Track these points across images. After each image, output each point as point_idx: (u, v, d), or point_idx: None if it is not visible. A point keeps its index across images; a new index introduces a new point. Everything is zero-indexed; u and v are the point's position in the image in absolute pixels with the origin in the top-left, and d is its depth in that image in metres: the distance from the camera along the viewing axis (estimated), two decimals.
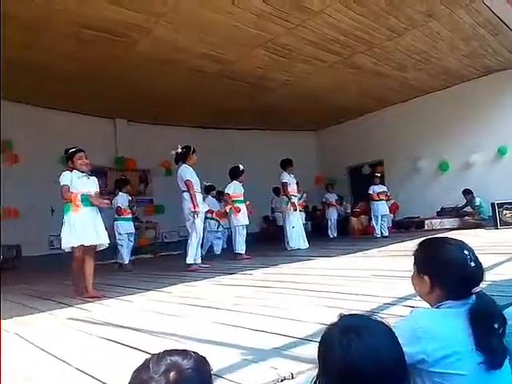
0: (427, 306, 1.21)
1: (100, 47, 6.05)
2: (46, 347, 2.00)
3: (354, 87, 8.73)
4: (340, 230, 9.91)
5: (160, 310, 2.75)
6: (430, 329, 1.04)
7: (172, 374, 0.73)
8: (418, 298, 2.11)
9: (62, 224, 3.62)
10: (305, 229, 7.54)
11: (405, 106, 9.94)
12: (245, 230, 6.23)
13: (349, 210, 10.91)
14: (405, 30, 6.32)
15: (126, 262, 6.18)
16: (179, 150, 5.28)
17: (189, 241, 5.21)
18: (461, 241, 1.18)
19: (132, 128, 9.66)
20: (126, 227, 6.28)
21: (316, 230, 10.18)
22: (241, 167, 6.38)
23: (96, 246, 3.70)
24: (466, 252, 1.13)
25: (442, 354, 1.01)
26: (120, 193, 6.40)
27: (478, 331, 1.03)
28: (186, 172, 5.15)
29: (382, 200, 8.37)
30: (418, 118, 9.61)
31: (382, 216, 8.38)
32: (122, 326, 2.32)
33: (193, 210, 5.06)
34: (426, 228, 8.74)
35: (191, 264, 5.13)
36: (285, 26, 5.86)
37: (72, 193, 3.60)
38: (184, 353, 0.79)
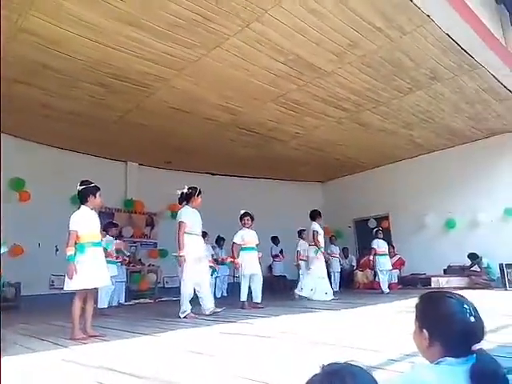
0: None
1: (123, 96, 6.40)
2: None
3: (361, 142, 8.97)
4: (345, 283, 9.70)
5: (154, 355, 2.68)
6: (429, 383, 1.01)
7: None
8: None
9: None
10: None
11: (411, 162, 10.12)
12: (245, 279, 5.94)
13: (354, 263, 10.76)
14: (409, 91, 6.61)
15: (105, 307, 5.74)
16: (185, 190, 5.18)
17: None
18: (461, 295, 1.18)
19: (142, 171, 9.89)
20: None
21: None
22: (241, 212, 6.22)
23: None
24: (465, 306, 1.11)
25: None
26: (107, 236, 6.16)
27: None
28: (182, 213, 5.02)
29: (385, 255, 8.27)
30: (424, 174, 9.74)
31: (386, 271, 8.25)
32: (115, 370, 2.26)
33: (176, 254, 4.93)
34: (432, 286, 8.54)
35: (185, 315, 4.79)
36: (296, 83, 6.18)
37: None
38: None
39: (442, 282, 8.50)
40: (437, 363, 1.10)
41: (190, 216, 5.02)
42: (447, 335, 1.11)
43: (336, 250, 9.80)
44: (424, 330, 1.15)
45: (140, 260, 9.34)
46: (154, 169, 10.04)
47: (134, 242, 9.32)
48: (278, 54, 5.36)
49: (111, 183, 9.13)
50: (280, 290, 9.18)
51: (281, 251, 10.23)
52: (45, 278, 7.87)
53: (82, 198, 3.90)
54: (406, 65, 5.80)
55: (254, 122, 7.67)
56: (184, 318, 4.73)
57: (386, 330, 3.31)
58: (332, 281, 9.42)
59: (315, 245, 7.14)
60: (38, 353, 2.92)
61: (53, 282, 7.99)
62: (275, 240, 10.21)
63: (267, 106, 6.99)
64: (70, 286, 3.53)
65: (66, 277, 3.55)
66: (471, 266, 8.42)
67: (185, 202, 5.17)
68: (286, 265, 10.17)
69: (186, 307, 4.83)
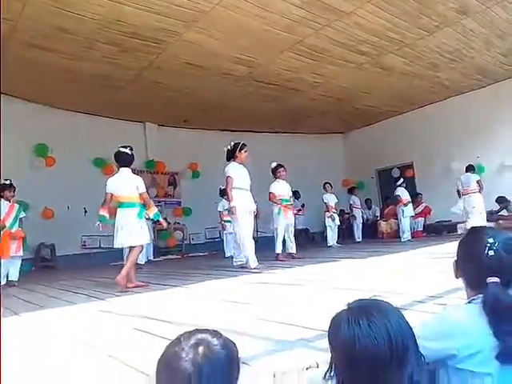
0: (460, 303, 1.18)
1: (136, 54, 6.28)
2: (80, 337, 2.07)
3: (383, 88, 8.60)
4: (369, 233, 9.73)
5: (188, 304, 2.79)
6: (462, 324, 1.00)
7: (201, 348, 0.76)
8: (451, 295, 2.06)
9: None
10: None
11: (436, 106, 9.69)
12: (280, 230, 5.89)
13: (377, 214, 10.71)
14: (436, 28, 6.18)
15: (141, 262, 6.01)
16: (229, 147, 5.16)
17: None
18: (497, 230, 1.13)
19: (162, 132, 9.89)
20: None
21: (344, 234, 10.03)
22: (273, 165, 6.21)
23: None
24: (490, 240, 1.05)
25: (471, 351, 0.97)
26: None
27: (493, 321, 0.97)
28: (229, 168, 5.03)
29: (409, 203, 8.17)
30: (450, 118, 9.33)
31: (409, 218, 8.21)
32: (152, 318, 2.36)
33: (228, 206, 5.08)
34: (458, 232, 8.45)
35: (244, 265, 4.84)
36: (313, 27, 5.86)
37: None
38: (214, 332, 0.82)
39: (468, 228, 8.39)
40: (468, 302, 1.09)
41: (236, 171, 5.03)
42: (465, 271, 1.09)
43: (357, 200, 9.73)
44: (459, 269, 1.13)
45: (165, 218, 9.57)
46: (173, 128, 10.01)
47: (159, 202, 9.49)
48: None
49: (131, 144, 9.19)
50: (303, 242, 9.28)
51: (302, 205, 10.25)
52: (76, 238, 8.22)
53: (128, 160, 4.22)
54: None
55: (271, 73, 7.42)
56: (254, 268, 4.68)
57: (409, 274, 3.32)
58: (355, 231, 9.48)
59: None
60: (76, 305, 3.09)
61: (84, 242, 8.35)
62: (296, 194, 10.19)
63: (284, 55, 6.71)
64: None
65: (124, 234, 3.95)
66: (499, 210, 8.23)
67: (232, 159, 5.14)
68: (307, 218, 10.24)
69: (251, 257, 4.82)
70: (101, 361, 1.64)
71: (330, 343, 0.86)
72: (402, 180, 8.43)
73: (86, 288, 4.08)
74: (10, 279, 5.17)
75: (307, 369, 1.25)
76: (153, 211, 4.16)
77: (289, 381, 1.20)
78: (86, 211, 8.17)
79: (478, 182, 7.44)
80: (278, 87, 8.10)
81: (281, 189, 6.02)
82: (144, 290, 3.69)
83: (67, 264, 7.63)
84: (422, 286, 2.58)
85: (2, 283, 5.09)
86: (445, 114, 9.45)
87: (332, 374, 0.86)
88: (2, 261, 5.10)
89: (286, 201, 6.05)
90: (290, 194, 6.21)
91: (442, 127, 9.48)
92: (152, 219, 4.22)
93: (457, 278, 1.16)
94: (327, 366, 1.06)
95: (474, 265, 1.07)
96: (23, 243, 5.38)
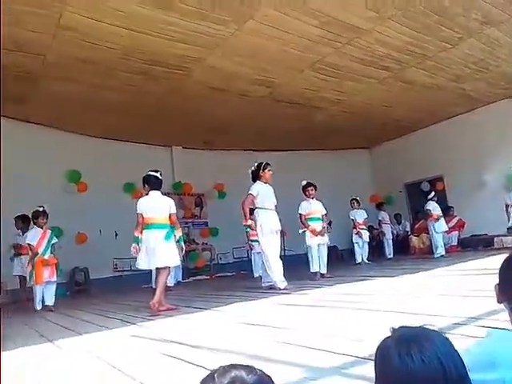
0: (502, 326, 1.12)
1: (160, 81, 6.50)
2: (113, 363, 2.10)
3: (407, 102, 8.49)
4: (400, 249, 9.47)
5: (218, 328, 2.79)
6: (510, 355, 0.95)
7: None
8: (492, 317, 1.96)
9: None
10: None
11: (464, 118, 9.46)
12: (313, 249, 5.81)
13: (408, 229, 10.43)
14: (459, 40, 6.10)
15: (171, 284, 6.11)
16: (253, 168, 5.21)
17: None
18: None
19: (187, 154, 10.08)
20: None
21: (374, 250, 9.80)
22: (303, 183, 6.19)
23: None
24: None
25: None
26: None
27: None
28: (253, 187, 5.05)
29: (440, 217, 7.93)
30: (478, 129, 9.08)
31: (441, 234, 7.95)
32: (182, 344, 2.38)
33: (244, 223, 5.13)
34: (495, 246, 8.09)
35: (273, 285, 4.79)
36: (333, 46, 5.92)
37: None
38: (249, 368, 0.80)
39: (506, 242, 8.02)
40: None
41: (261, 190, 5.04)
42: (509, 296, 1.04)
43: (386, 216, 9.53)
44: (503, 297, 1.07)
45: (193, 239, 9.68)
46: (197, 151, 10.20)
47: (186, 223, 9.62)
48: (312, 18, 5.12)
49: (158, 167, 9.42)
50: (331, 260, 9.10)
51: (329, 223, 10.10)
52: (108, 261, 8.40)
53: (158, 184, 4.37)
54: (453, 11, 5.32)
55: (291, 92, 7.49)
56: (284, 289, 4.64)
57: (444, 294, 3.19)
58: (385, 247, 9.25)
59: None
60: (109, 330, 3.15)
61: (116, 265, 8.53)
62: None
63: (304, 74, 6.78)
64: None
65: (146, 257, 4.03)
66: None
67: (257, 179, 5.17)
68: (334, 236, 10.08)
69: (279, 278, 4.78)
70: None
71: (377, 375, 0.84)
72: (432, 194, 8.22)
73: (119, 312, 4.15)
74: (46, 304, 5.31)
75: None
76: (180, 233, 4.27)
77: None
78: (116, 234, 8.38)
79: None
80: (299, 105, 8.15)
81: (309, 207, 5.97)
82: (175, 313, 3.71)
83: (100, 287, 7.79)
84: (460, 307, 2.48)
85: (38, 308, 5.25)
86: (471, 125, 9.20)
87: None
88: (37, 287, 5.28)
89: (317, 219, 5.96)
90: (324, 212, 6.11)
91: (471, 138, 9.23)
92: (178, 241, 4.28)
93: (499, 303, 1.11)
94: None
95: None
96: (56, 268, 5.51)
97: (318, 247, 5.85)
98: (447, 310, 2.44)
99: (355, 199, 8.31)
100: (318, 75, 6.88)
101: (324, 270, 5.88)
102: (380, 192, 11.16)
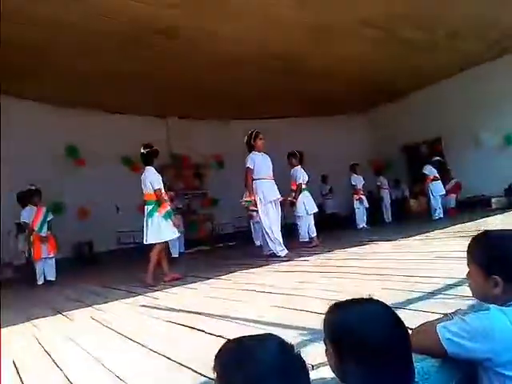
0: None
1: (162, 49, 6.37)
2: (122, 331, 2.18)
3: (402, 62, 8.27)
4: (399, 212, 9.55)
5: (222, 295, 2.86)
6: (505, 329, 0.98)
7: (273, 343, 0.74)
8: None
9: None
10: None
11: (458, 78, 9.30)
12: (302, 218, 5.95)
13: (406, 192, 10.48)
14: None
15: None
16: (246, 139, 5.16)
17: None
18: None
19: (183, 124, 9.93)
20: None
21: (372, 215, 9.89)
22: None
23: None
24: None
25: (510, 356, 0.96)
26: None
27: None
28: (248, 159, 5.02)
29: (437, 180, 7.97)
30: (475, 89, 8.92)
31: (439, 197, 8.04)
32: (188, 311, 2.45)
33: (245, 199, 5.12)
34: (493, 207, 8.17)
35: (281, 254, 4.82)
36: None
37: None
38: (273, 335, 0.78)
39: (504, 202, 8.09)
40: (508, 305, 1.04)
41: (256, 161, 4.99)
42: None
43: (384, 181, 9.56)
44: (497, 277, 1.08)
45: (194, 210, 9.76)
46: (192, 120, 10.03)
47: (186, 195, 9.66)
48: None
49: (153, 140, 9.31)
50: (333, 226, 9.22)
51: (330, 189, 10.16)
52: (112, 235, 8.49)
53: (147, 159, 4.33)
54: None
55: (283, 51, 7.09)
56: (284, 256, 4.75)
57: (440, 256, 3.26)
58: (384, 212, 9.34)
59: None
60: (117, 301, 3.24)
61: (119, 238, 8.63)
62: (324, 179, 10.11)
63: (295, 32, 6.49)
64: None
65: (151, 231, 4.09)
66: None
67: (252, 150, 5.12)
68: (335, 202, 10.18)
69: (280, 247, 4.88)
70: (142, 354, 1.73)
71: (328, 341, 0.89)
72: (437, 158, 8.24)
73: (126, 283, 4.25)
74: (48, 279, 5.48)
75: None
76: (165, 208, 4.14)
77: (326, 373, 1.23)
78: (117, 208, 8.43)
79: None
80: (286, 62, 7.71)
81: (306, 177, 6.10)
82: (181, 283, 3.80)
83: (105, 259, 7.93)
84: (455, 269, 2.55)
85: (40, 283, 5.41)
86: (466, 86, 9.06)
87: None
88: (37, 262, 5.44)
89: (309, 189, 6.15)
90: (306, 178, 6.19)
91: (467, 99, 9.09)
92: (164, 217, 4.18)
93: (493, 291, 1.11)
94: None
95: None
96: (56, 244, 5.63)
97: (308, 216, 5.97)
98: (445, 272, 2.51)
99: (357, 164, 8.29)
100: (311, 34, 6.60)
101: (314, 234, 5.96)
102: (378, 156, 11.06)
